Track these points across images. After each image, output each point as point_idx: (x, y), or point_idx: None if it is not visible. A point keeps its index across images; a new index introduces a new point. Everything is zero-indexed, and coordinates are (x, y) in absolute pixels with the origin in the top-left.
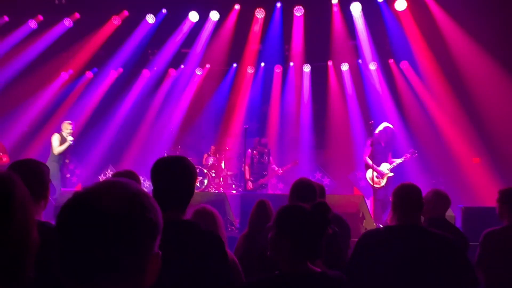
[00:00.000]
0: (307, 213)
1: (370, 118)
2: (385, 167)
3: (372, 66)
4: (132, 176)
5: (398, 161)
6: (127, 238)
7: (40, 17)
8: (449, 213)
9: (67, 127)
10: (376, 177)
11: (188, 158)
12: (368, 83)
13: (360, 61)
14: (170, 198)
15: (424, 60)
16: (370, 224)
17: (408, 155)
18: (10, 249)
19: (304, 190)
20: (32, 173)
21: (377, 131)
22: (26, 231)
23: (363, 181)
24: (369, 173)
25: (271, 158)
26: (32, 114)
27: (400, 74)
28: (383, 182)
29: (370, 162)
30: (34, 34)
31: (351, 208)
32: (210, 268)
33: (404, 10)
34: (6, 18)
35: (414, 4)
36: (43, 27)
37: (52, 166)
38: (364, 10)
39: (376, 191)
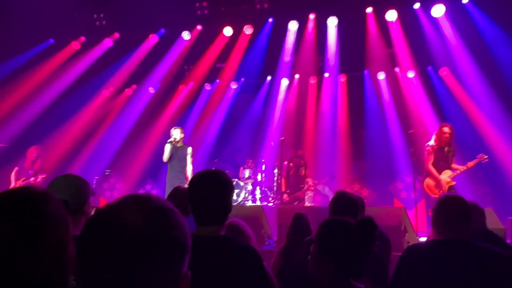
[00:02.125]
0: (351, 229)
1: (410, 128)
2: (446, 175)
3: (410, 74)
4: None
5: (461, 168)
6: (150, 258)
7: (83, 38)
8: (499, 225)
9: (171, 133)
10: (436, 186)
11: (225, 171)
12: (407, 92)
13: (397, 69)
14: (207, 213)
15: (466, 65)
16: (413, 237)
17: (473, 162)
18: (45, 267)
19: (345, 204)
20: (71, 189)
21: (434, 135)
22: (60, 248)
23: (404, 192)
24: (428, 182)
25: (307, 171)
26: (75, 131)
27: (440, 81)
28: (444, 191)
29: (434, 171)
30: (77, 55)
31: (392, 221)
32: (249, 284)
33: (442, 15)
34: (51, 41)
35: (452, 9)
36: (85, 48)
37: (168, 179)
38: (400, 17)
39: (431, 201)
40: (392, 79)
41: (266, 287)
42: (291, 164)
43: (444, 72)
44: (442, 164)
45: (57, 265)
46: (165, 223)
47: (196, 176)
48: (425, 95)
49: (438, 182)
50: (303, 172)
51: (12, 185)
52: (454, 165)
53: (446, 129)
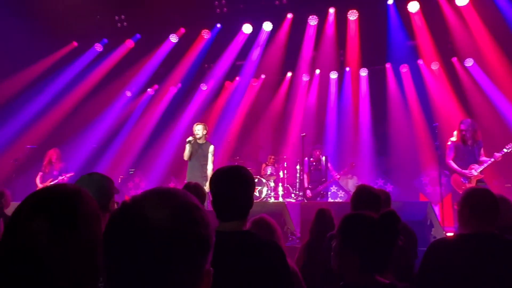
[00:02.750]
0: (374, 223)
1: (434, 121)
2: (473, 170)
3: (434, 66)
4: (198, 189)
5: (488, 161)
6: (174, 253)
7: (105, 40)
8: None
9: (194, 128)
10: (463, 181)
11: (247, 168)
12: (431, 84)
13: (420, 61)
14: (229, 209)
15: (492, 56)
16: (439, 232)
17: (500, 153)
18: (78, 262)
19: (367, 197)
20: (96, 187)
21: (456, 130)
22: (93, 244)
23: (430, 186)
24: (455, 177)
25: (329, 164)
26: (100, 131)
27: (465, 73)
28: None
29: (454, 165)
30: (100, 57)
31: (417, 216)
32: (272, 279)
33: (466, 4)
34: (75, 44)
35: None
36: (107, 50)
37: (188, 177)
38: (422, 8)
39: (458, 195)
40: (415, 71)
41: (288, 282)
42: (311, 159)
43: (469, 63)
44: (467, 158)
45: (89, 262)
46: (190, 219)
47: (217, 171)
48: (450, 87)
49: (464, 177)
50: (324, 166)
51: (39, 187)
52: (482, 158)
53: (462, 127)
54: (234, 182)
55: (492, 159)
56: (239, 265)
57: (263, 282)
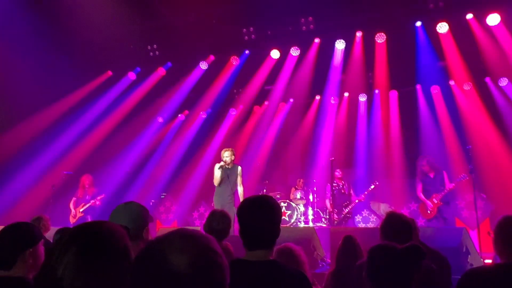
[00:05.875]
0: (395, 257)
1: (467, 143)
2: (434, 198)
3: (466, 87)
4: (225, 216)
5: (446, 190)
6: None
7: (138, 69)
8: None
9: (222, 155)
10: (426, 210)
11: (276, 192)
12: (464, 105)
13: (452, 82)
14: (256, 239)
15: None
16: (476, 259)
17: (453, 183)
18: None
19: (397, 227)
20: (131, 215)
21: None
22: (119, 279)
23: (466, 211)
24: (421, 206)
25: (351, 190)
26: (133, 156)
27: (499, 93)
28: (433, 213)
29: (423, 197)
30: (133, 85)
31: (452, 242)
32: None
33: (498, 24)
34: (110, 73)
35: (509, 17)
36: (140, 78)
37: (216, 203)
38: (452, 29)
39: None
40: (447, 93)
41: None
42: (334, 184)
43: (503, 82)
44: (430, 189)
45: None
46: (207, 264)
47: (244, 202)
48: (483, 108)
49: (427, 207)
50: (346, 191)
51: (72, 212)
52: (447, 186)
53: (418, 163)
54: (261, 213)
55: (447, 189)
56: None
57: None
